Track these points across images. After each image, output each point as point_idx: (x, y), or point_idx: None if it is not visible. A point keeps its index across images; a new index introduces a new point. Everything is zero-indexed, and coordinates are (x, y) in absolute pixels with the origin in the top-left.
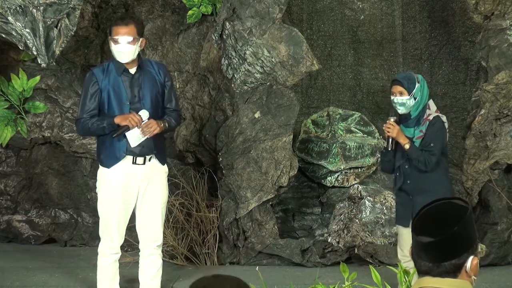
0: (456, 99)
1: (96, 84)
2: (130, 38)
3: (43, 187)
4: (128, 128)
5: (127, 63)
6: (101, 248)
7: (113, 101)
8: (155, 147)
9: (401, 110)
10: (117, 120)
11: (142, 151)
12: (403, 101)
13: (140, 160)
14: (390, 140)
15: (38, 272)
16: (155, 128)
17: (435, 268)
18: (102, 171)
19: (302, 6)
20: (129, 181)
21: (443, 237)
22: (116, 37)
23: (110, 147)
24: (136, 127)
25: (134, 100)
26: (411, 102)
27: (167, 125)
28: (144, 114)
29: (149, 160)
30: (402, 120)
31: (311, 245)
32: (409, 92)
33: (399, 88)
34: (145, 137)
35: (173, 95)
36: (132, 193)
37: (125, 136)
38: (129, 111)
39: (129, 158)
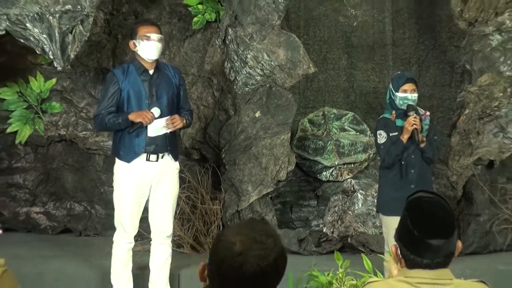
0: (442, 100)
1: (117, 84)
2: (160, 36)
3: (59, 181)
4: (142, 124)
5: (148, 64)
6: (116, 237)
7: (133, 100)
8: (169, 144)
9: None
10: (131, 116)
11: (156, 149)
12: (415, 98)
13: (153, 157)
14: (416, 132)
15: (55, 260)
16: (178, 123)
17: (437, 262)
18: (120, 165)
19: (299, 13)
20: (143, 176)
21: (452, 236)
22: (148, 34)
23: (129, 144)
24: (162, 119)
25: (152, 99)
26: (417, 99)
27: (187, 122)
28: (156, 111)
29: (162, 157)
30: (403, 116)
31: (307, 235)
32: (418, 90)
33: (413, 86)
34: (165, 131)
35: (187, 97)
36: (145, 188)
37: (143, 133)
38: (149, 108)
39: (143, 155)
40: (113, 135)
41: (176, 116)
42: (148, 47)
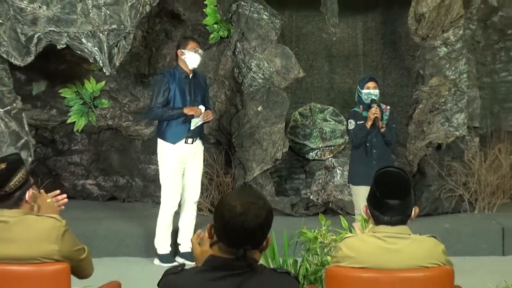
0: (401, 97)
1: (167, 84)
2: (203, 52)
3: (107, 160)
4: (192, 116)
5: (189, 70)
6: (163, 202)
7: (178, 97)
8: (201, 132)
9: (376, 100)
10: (185, 110)
11: (193, 135)
12: (377, 93)
13: (190, 140)
14: (376, 120)
15: (105, 221)
16: (211, 116)
17: (396, 220)
18: (165, 146)
19: (291, 31)
20: (182, 154)
21: (406, 199)
22: (196, 48)
23: (175, 129)
24: (198, 116)
25: (191, 96)
26: (379, 95)
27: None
28: (203, 108)
29: (195, 141)
30: (367, 109)
31: (298, 201)
32: (379, 87)
33: (374, 84)
34: (202, 122)
35: (209, 98)
36: (183, 163)
37: (188, 122)
38: (189, 104)
39: (183, 139)
40: (159, 123)
41: (209, 111)
42: (194, 58)
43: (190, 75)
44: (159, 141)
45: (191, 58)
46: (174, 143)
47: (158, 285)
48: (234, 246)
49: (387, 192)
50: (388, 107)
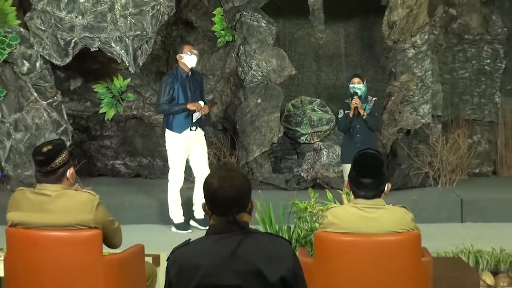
0: (377, 91)
1: (172, 83)
2: (198, 52)
3: (132, 144)
4: (195, 111)
5: (188, 70)
6: (171, 180)
7: (181, 94)
8: (201, 122)
9: (359, 92)
10: (188, 105)
11: (195, 124)
12: (360, 87)
13: (193, 128)
14: (356, 110)
15: (130, 194)
16: (208, 110)
17: (370, 194)
18: (172, 135)
19: (285, 36)
20: (187, 141)
21: (378, 177)
22: (193, 51)
23: (180, 121)
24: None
25: (191, 92)
26: (364, 88)
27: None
28: (201, 103)
29: (197, 129)
30: None
31: (291, 178)
32: (363, 82)
33: (358, 79)
34: (201, 115)
35: (204, 92)
36: (188, 148)
37: (190, 115)
38: (190, 99)
39: (188, 128)
40: (166, 117)
41: (206, 106)
42: (191, 59)
43: (189, 74)
44: (167, 131)
45: (189, 59)
46: (180, 132)
47: (167, 260)
48: (223, 214)
49: (362, 172)
50: (375, 98)
